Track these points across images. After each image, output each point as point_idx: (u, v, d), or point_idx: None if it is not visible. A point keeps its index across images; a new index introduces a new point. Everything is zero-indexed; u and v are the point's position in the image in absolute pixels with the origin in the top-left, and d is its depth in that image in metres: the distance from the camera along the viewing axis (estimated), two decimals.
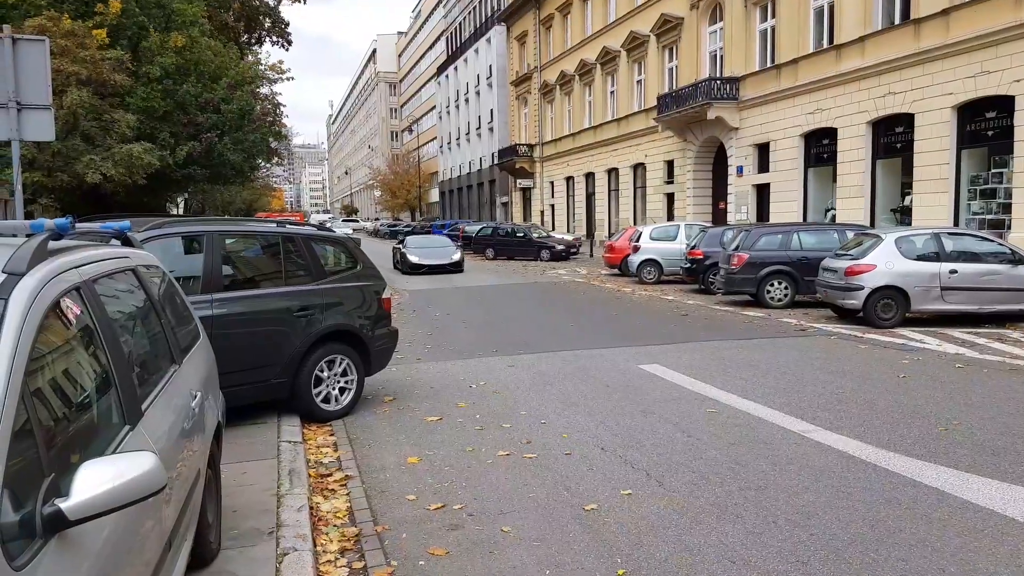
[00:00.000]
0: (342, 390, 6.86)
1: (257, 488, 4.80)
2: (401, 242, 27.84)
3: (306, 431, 6.37)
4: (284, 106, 31.54)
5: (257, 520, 4.27)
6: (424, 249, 25.64)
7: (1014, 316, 11.57)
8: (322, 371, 6.68)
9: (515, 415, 6.83)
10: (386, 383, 8.18)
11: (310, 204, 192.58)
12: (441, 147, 73.44)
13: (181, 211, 38.87)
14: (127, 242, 3.51)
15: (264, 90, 29.72)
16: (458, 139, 66.28)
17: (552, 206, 45.61)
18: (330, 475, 5.31)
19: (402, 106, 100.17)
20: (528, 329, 12.27)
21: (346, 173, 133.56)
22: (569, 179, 42.72)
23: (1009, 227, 16.83)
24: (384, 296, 7.36)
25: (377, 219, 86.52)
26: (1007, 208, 17.17)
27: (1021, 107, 16.41)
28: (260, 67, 30.24)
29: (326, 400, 6.74)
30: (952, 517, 4.30)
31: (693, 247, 18.15)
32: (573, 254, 30.56)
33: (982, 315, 11.62)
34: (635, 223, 31.19)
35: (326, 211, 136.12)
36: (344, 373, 6.86)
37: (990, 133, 17.75)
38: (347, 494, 4.96)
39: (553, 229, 40.78)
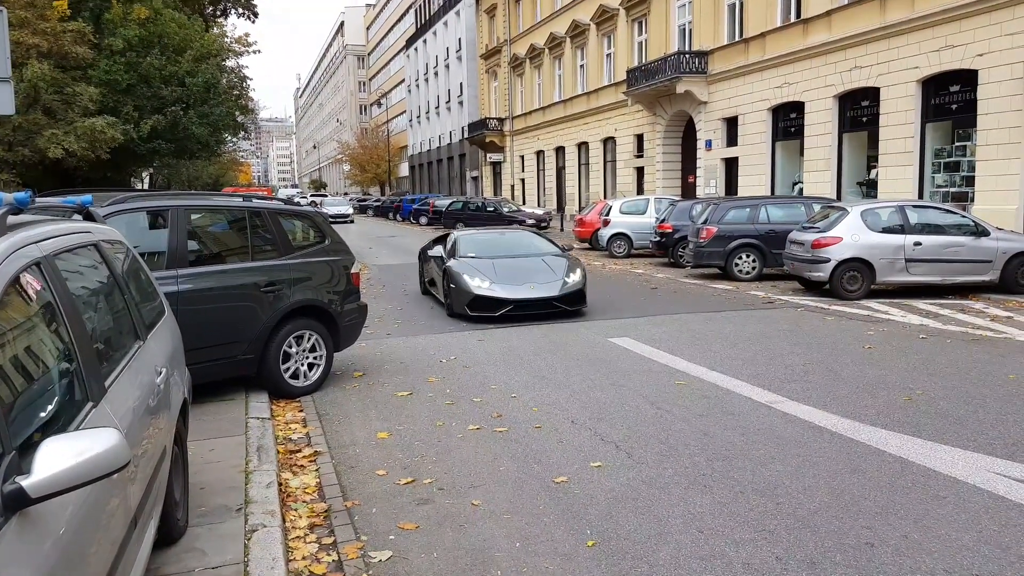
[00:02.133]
0: (311, 366, 6.81)
1: (225, 465, 4.76)
2: (441, 243, 12.69)
3: (275, 407, 6.32)
4: (250, 79, 30.82)
5: (225, 497, 4.23)
6: (497, 263, 11.00)
7: (976, 287, 11.84)
8: (290, 347, 6.62)
9: (485, 389, 6.84)
10: (356, 358, 8.14)
11: (278, 179, 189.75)
12: (410, 121, 72.62)
13: (146, 186, 38.06)
14: (89, 217, 3.42)
15: (230, 63, 29.00)
16: (427, 113, 65.59)
17: (523, 180, 45.47)
18: (299, 451, 5.28)
19: (371, 79, 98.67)
20: None
21: (314, 147, 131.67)
22: (539, 153, 42.57)
23: (972, 199, 17.16)
24: (353, 271, 7.29)
25: (346, 193, 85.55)
26: (970, 181, 17.49)
27: (984, 81, 16.65)
28: (226, 40, 29.46)
29: (295, 376, 6.69)
30: (915, 485, 4.41)
31: (662, 221, 18.25)
32: (544, 228, 30.55)
33: (945, 286, 11.87)
34: (605, 197, 31.24)
35: (294, 185, 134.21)
36: (313, 349, 6.81)
37: (954, 107, 18.01)
38: (316, 470, 4.94)
39: (524, 203, 40.70)
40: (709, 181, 26.62)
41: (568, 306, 10.48)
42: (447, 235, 12.96)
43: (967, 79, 17.24)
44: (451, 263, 11.00)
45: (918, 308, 10.89)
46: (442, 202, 38.06)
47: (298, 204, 8.96)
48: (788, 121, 23.34)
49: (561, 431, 5.59)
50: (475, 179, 53.72)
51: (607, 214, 20.92)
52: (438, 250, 12.05)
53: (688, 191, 28.06)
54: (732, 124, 25.44)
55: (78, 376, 2.39)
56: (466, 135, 51.34)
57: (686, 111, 27.64)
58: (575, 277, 10.72)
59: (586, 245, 22.65)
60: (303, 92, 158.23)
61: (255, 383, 6.59)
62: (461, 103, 55.21)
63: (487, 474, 4.78)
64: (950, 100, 18.09)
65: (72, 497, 1.91)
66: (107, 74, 20.71)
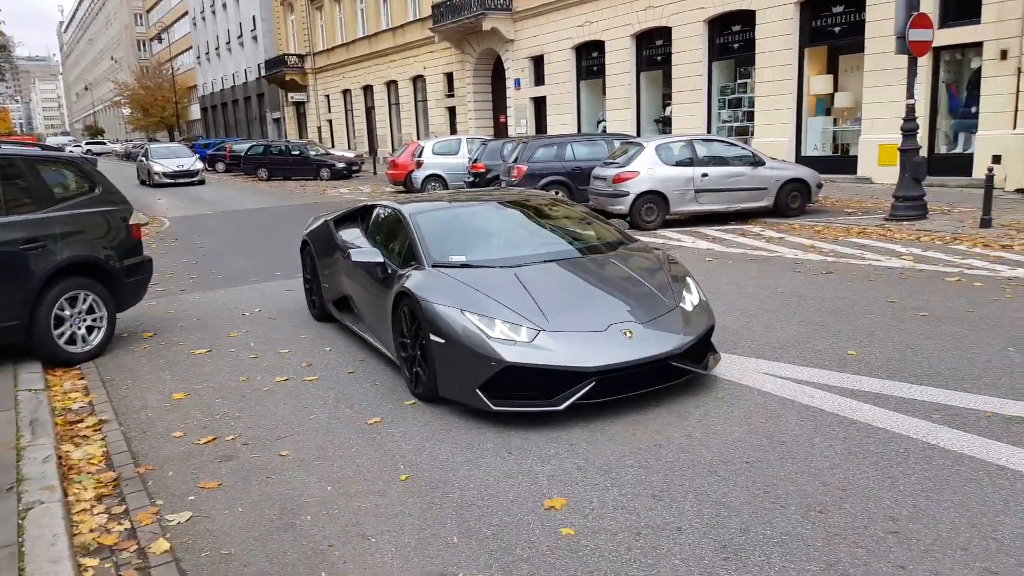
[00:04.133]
0: (90, 329, 6.16)
1: None
2: (359, 223, 6.76)
3: (50, 377, 5.67)
4: None
5: None
6: (527, 275, 5.03)
7: (755, 212, 13.03)
8: (63, 309, 5.92)
9: (294, 340, 6.56)
10: (145, 318, 7.49)
11: (44, 126, 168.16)
12: (198, 58, 66.69)
13: None
14: None
15: None
16: (217, 49, 60.53)
17: (330, 121, 43.67)
18: (81, 421, 4.79)
19: (148, 11, 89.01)
20: None
21: (86, 89, 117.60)
22: (346, 92, 40.98)
23: (752, 133, 18.81)
24: (132, 222, 6.62)
25: (128, 140, 77.51)
26: (751, 116, 19.14)
27: (760, 21, 18.10)
28: None
29: (71, 341, 6.01)
30: (698, 389, 4.82)
31: (475, 161, 18.31)
32: (355, 172, 29.64)
33: (729, 213, 12.96)
34: (418, 138, 30.83)
35: (65, 133, 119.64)
36: (91, 310, 6.14)
37: (736, 46, 19.46)
38: (103, 439, 4.50)
39: (333, 146, 39.23)
40: (520, 120, 27.04)
41: (697, 366, 4.82)
42: (370, 209, 6.64)
43: (747, 19, 18.64)
44: (421, 285, 4.94)
45: (706, 234, 11.83)
46: (241, 146, 35.61)
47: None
48: (591, 60, 24.12)
49: (375, 374, 5.50)
50: (277, 121, 50.73)
51: (420, 155, 20.65)
52: (359, 243, 6.26)
53: (500, 130, 28.37)
54: (539, 63, 25.88)
55: None
56: (263, 73, 48.08)
57: (494, 49, 27.69)
58: (692, 298, 5.16)
59: (400, 188, 22.30)
60: (68, 26, 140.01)
61: (25, 352, 5.86)
62: (255, 38, 51.48)
63: (296, 424, 4.61)
64: (732, 39, 19.53)
65: None
66: None
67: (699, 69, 20.00)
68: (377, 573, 2.98)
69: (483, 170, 17.74)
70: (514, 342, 4.39)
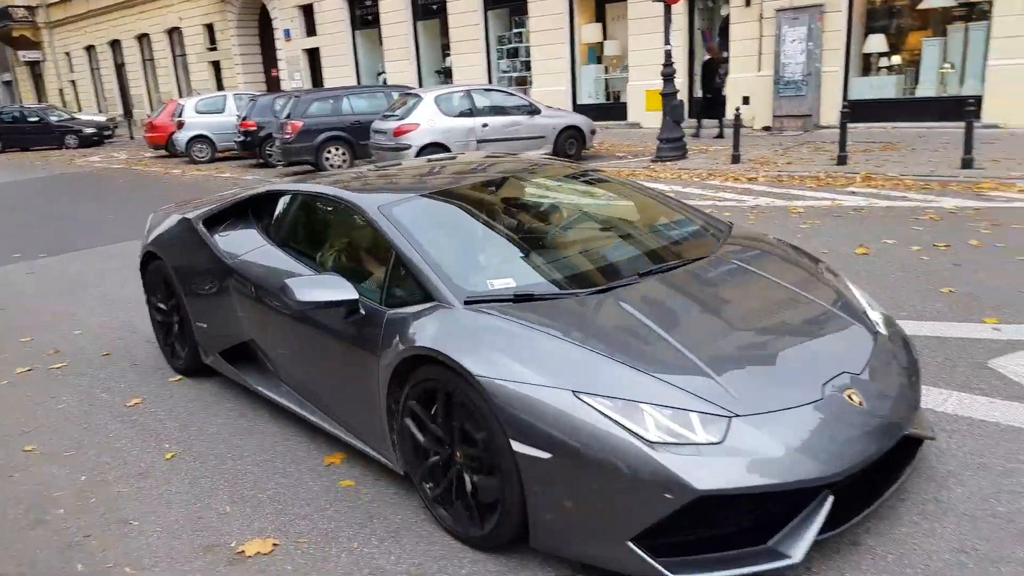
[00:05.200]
0: None
1: None
2: (256, 221, 4.09)
3: None
4: None
5: None
6: (654, 305, 2.82)
7: None
8: None
9: (36, 327, 5.80)
10: None
11: None
12: None
13: None
14: None
15: None
16: None
17: (73, 82, 38.74)
18: None
19: None
20: (55, 229, 10.43)
21: None
22: (90, 49, 36.50)
23: (531, 83, 19.24)
24: None
25: None
26: (528, 66, 19.53)
27: None
28: None
29: None
30: None
31: (245, 118, 17.15)
32: (107, 137, 26.60)
33: None
34: (180, 96, 28.28)
35: None
36: None
37: None
38: None
39: (79, 110, 34.89)
40: (293, 74, 25.70)
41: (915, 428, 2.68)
42: (270, 198, 4.10)
43: None
44: (461, 341, 2.57)
45: None
46: None
47: None
48: (365, 9, 23.32)
49: (136, 354, 5.01)
50: (8, 84, 44.10)
51: (180, 115, 18.91)
52: (277, 261, 3.67)
53: (273, 85, 26.80)
54: (309, 12, 24.62)
55: None
56: None
57: None
58: (875, 313, 3.04)
59: (162, 152, 20.40)
60: None
61: None
62: None
63: (43, 416, 4.10)
64: None
65: None
66: None
67: (475, 19, 20.02)
68: (141, 556, 2.75)
69: (254, 128, 16.72)
70: (696, 447, 2.22)
